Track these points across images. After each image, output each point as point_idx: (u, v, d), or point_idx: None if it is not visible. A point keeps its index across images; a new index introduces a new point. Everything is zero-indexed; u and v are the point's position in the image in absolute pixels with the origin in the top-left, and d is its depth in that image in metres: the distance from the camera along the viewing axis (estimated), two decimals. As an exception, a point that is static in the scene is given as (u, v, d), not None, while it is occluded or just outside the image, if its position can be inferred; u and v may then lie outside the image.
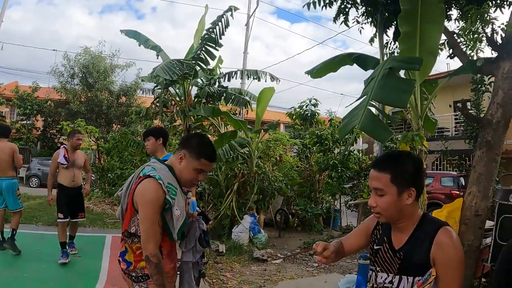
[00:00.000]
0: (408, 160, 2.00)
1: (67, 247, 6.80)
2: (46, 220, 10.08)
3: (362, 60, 6.41)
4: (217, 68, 11.71)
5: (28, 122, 28.34)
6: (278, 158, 12.36)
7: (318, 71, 6.76)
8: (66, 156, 6.83)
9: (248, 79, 10.54)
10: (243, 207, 9.96)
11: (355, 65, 6.61)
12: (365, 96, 4.58)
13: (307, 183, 12.91)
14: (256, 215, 10.04)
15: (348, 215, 12.80)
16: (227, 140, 9.43)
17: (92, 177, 11.69)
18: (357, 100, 5.04)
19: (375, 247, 2.14)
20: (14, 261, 6.64)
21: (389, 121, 6.17)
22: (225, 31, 9.69)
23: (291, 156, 14.10)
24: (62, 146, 7.18)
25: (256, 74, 10.44)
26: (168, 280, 2.68)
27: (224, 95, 10.16)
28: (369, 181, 2.03)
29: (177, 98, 10.97)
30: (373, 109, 4.60)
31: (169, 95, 11.18)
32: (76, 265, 6.69)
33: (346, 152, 10.39)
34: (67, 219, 6.90)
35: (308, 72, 6.94)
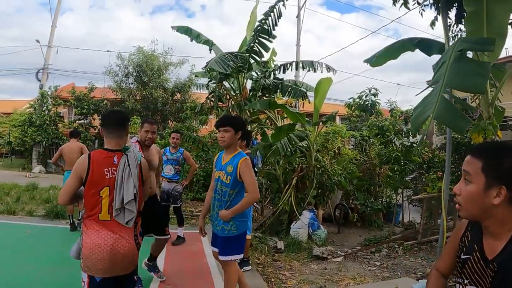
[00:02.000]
0: (508, 154, 1.66)
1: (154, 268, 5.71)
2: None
3: (425, 45, 6.10)
4: (271, 61, 11.49)
5: (85, 121, 29.05)
6: (336, 151, 11.98)
7: (378, 59, 6.46)
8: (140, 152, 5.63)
9: (303, 70, 10.20)
10: (302, 202, 9.66)
11: (408, 53, 6.26)
12: (438, 83, 4.28)
13: (367, 177, 12.47)
14: (315, 210, 9.72)
15: (410, 210, 12.27)
16: (285, 134, 9.13)
17: None
18: (428, 87, 4.69)
19: (462, 257, 1.81)
20: (60, 258, 6.34)
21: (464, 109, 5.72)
22: (278, 21, 9.46)
23: (349, 149, 13.69)
24: (134, 139, 5.17)
25: (311, 65, 10.12)
26: None
27: (280, 87, 9.88)
28: (463, 164, 1.75)
29: (232, 92, 10.81)
30: (446, 96, 4.24)
31: (223, 89, 11.03)
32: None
33: (417, 145, 9.88)
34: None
35: (367, 61, 6.65)
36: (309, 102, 10.41)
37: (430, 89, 4.56)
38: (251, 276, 5.85)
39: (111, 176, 3.16)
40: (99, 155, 3.21)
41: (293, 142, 8.58)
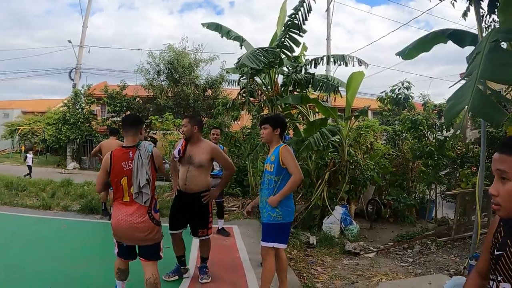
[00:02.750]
0: None
1: (181, 263, 5.62)
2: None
3: (458, 36, 5.94)
4: (302, 56, 11.46)
5: (118, 119, 29.46)
6: (369, 146, 11.87)
7: (410, 52, 6.35)
8: (182, 148, 5.37)
9: (334, 64, 10.12)
10: (334, 197, 9.63)
11: (439, 45, 6.16)
12: (472, 74, 4.13)
13: (399, 172, 12.30)
14: (347, 205, 9.67)
15: (444, 206, 12.08)
16: (317, 128, 9.09)
17: None
18: (461, 79, 4.63)
19: (496, 253, 1.75)
20: (96, 252, 6.64)
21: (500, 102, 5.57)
22: (308, 16, 9.40)
23: (381, 143, 13.54)
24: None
25: (343, 59, 10.00)
26: None
27: (312, 81, 9.84)
28: (492, 164, 1.68)
29: (263, 88, 10.82)
30: (481, 88, 4.16)
31: (255, 85, 11.05)
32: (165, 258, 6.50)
33: (450, 138, 9.73)
34: (179, 231, 5.45)
35: (399, 54, 6.55)
36: (341, 97, 10.34)
37: (463, 81, 4.47)
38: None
39: (127, 168, 4.02)
40: (118, 152, 4.10)
41: (326, 137, 8.54)
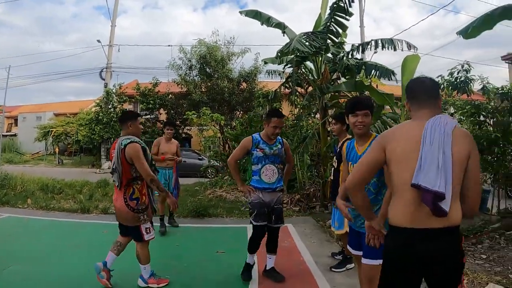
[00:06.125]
0: None
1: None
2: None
3: None
4: (343, 42, 10.86)
5: (151, 116, 29.35)
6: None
7: (473, 31, 5.87)
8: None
9: (383, 49, 9.46)
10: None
11: None
12: None
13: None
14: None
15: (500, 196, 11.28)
16: (375, 116, 8.47)
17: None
18: None
19: None
20: (153, 259, 6.13)
21: None
22: (354, -3, 8.87)
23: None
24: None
25: (391, 43, 9.33)
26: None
27: (364, 67, 9.21)
28: None
29: (310, 76, 10.26)
30: None
31: (300, 74, 10.49)
32: (222, 263, 6.05)
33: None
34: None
35: (460, 33, 6.07)
36: (397, 82, 9.67)
37: None
38: (353, 274, 5.27)
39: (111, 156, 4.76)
40: (114, 143, 4.82)
41: (388, 126, 7.93)
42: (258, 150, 5.09)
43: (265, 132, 5.19)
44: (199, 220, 9.24)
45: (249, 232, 7.74)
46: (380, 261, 3.30)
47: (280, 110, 15.11)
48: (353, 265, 5.50)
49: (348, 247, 3.94)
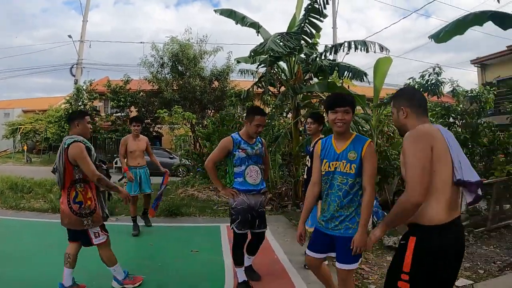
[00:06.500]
0: None
1: None
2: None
3: (499, 18, 5.59)
4: (316, 43, 10.97)
5: (122, 114, 29.09)
6: (391, 135, 11.37)
7: (444, 35, 6.00)
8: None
9: (355, 51, 9.58)
10: (365, 190, 9.12)
11: None
12: None
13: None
14: (378, 197, 9.17)
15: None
16: (348, 117, 8.60)
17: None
18: None
19: None
20: (127, 260, 6.01)
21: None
22: (329, 0, 8.96)
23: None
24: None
25: (364, 45, 9.46)
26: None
27: (337, 68, 9.32)
28: None
29: (283, 76, 10.34)
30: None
31: (273, 73, 10.56)
32: (195, 263, 6.05)
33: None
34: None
35: (432, 37, 6.23)
36: (369, 83, 9.82)
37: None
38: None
39: None
40: None
41: (359, 125, 8.05)
42: (240, 150, 4.85)
43: (246, 131, 4.95)
44: (171, 219, 9.19)
45: (223, 231, 7.85)
46: (356, 265, 3.51)
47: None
48: (326, 262, 5.47)
49: (309, 251, 3.83)
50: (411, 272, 2.62)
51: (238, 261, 4.99)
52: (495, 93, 11.37)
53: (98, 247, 4.66)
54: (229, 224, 5.04)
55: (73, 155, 4.35)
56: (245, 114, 16.45)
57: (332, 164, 3.58)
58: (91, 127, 4.93)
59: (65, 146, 4.40)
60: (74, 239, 4.71)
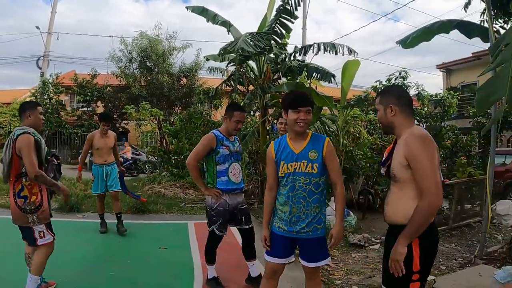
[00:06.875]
0: None
1: None
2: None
3: (465, 27, 6.02)
4: (286, 43, 11.14)
5: (88, 109, 28.73)
6: (357, 135, 11.61)
7: (412, 41, 6.35)
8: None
9: (324, 52, 9.78)
10: (330, 188, 9.30)
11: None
12: (504, 65, 4.23)
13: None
14: (343, 196, 9.34)
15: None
16: (315, 117, 8.75)
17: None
18: (490, 70, 4.75)
19: None
20: (95, 257, 6.10)
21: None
22: (301, 1, 9.12)
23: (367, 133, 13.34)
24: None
25: (333, 48, 9.69)
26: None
27: (306, 69, 9.49)
28: None
29: (252, 75, 10.45)
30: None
31: (242, 72, 10.66)
32: (164, 260, 6.11)
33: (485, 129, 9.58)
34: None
35: (399, 42, 6.57)
36: (337, 85, 10.03)
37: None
38: (294, 268, 5.52)
39: None
40: None
41: (326, 126, 8.22)
42: (224, 147, 4.76)
43: (226, 127, 4.88)
44: (139, 216, 9.22)
45: (190, 228, 7.90)
46: (329, 259, 3.65)
47: (221, 107, 15.35)
48: (293, 258, 5.38)
49: (271, 257, 3.77)
50: (420, 271, 2.72)
51: (211, 260, 5.02)
52: (459, 97, 11.76)
53: (38, 249, 4.32)
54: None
55: (19, 146, 4.13)
56: (211, 112, 16.47)
57: (291, 165, 3.50)
58: (43, 119, 4.68)
59: (14, 137, 4.21)
60: (26, 239, 4.43)
